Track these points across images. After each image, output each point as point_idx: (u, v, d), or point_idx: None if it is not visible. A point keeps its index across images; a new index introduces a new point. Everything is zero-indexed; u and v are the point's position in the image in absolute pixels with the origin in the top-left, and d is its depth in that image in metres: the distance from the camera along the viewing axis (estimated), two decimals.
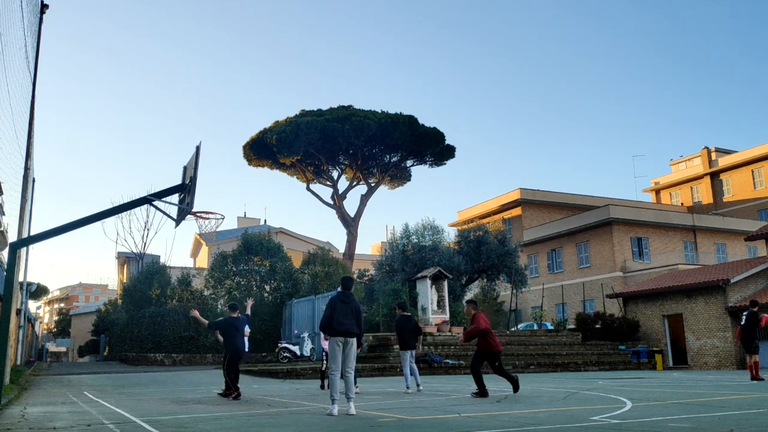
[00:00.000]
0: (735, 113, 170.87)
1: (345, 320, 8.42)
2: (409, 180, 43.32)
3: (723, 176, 53.17)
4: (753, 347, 15.66)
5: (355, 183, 41.43)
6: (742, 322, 15.80)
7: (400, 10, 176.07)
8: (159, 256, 46.05)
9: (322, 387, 13.31)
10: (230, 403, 10.42)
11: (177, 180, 11.86)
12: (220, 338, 11.73)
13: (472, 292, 35.33)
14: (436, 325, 24.37)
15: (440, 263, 28.20)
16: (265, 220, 58.52)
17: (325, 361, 13.35)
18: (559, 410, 8.42)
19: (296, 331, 27.22)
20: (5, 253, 15.79)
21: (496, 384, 14.04)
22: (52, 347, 77.04)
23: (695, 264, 37.36)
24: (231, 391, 11.14)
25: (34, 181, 16.27)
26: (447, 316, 25.08)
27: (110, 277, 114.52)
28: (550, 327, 31.16)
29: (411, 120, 38.09)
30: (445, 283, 25.66)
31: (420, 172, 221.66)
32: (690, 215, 44.28)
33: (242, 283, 32.45)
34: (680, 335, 27.27)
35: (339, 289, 8.81)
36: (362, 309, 8.79)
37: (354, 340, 8.46)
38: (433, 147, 39.42)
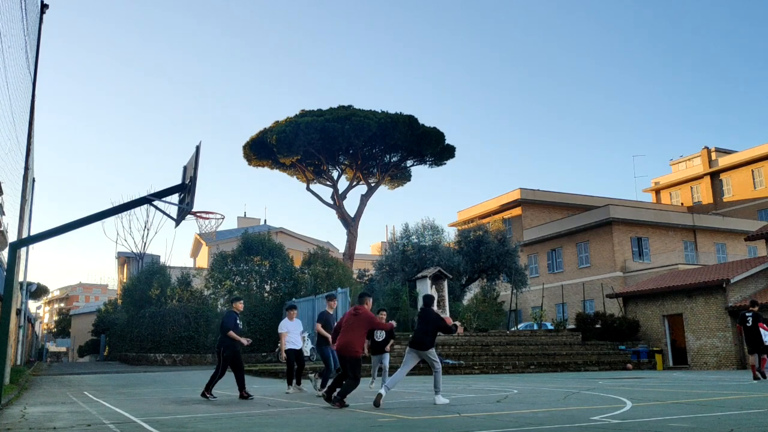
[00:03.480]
0: (735, 113, 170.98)
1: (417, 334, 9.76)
2: (409, 180, 43.37)
3: (723, 176, 53.18)
4: (762, 347, 15.65)
5: (355, 183, 41.44)
6: (748, 324, 15.74)
7: (401, 10, 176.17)
8: (159, 256, 46.17)
9: (321, 387, 13.24)
10: (230, 402, 10.43)
11: (177, 180, 11.87)
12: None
13: (472, 292, 35.33)
14: None
15: (440, 263, 28.20)
16: (265, 220, 58.59)
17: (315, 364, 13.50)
18: (559, 410, 8.41)
19: None
20: (5, 253, 15.80)
21: (496, 384, 14.06)
22: (52, 347, 77.04)
23: (695, 264, 37.37)
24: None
25: (34, 181, 16.27)
26: (447, 316, 25.07)
27: (110, 277, 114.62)
28: (550, 327, 31.15)
29: (411, 120, 38.09)
30: (445, 283, 25.68)
31: (420, 172, 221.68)
32: (690, 215, 44.29)
33: (242, 283, 32.44)
34: (680, 335, 27.27)
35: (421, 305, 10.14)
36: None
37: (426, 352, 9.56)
38: (433, 147, 39.42)
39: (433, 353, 9.63)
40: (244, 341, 11.17)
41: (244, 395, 11.04)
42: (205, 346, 29.45)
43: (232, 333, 11.04)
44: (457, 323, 10.22)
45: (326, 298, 13.15)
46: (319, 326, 12.01)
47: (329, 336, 11.72)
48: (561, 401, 9.92)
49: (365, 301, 10.08)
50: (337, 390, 9.44)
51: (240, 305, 11.67)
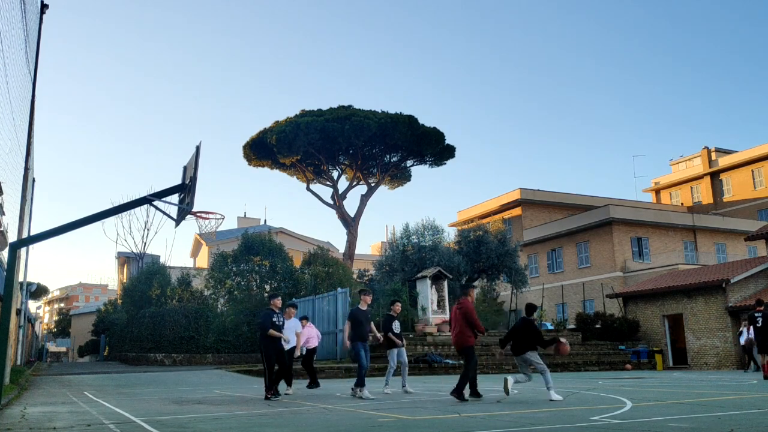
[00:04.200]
0: (735, 113, 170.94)
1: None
2: (409, 180, 43.35)
3: (723, 176, 53.16)
4: None
5: (355, 183, 41.42)
6: (758, 324, 15.75)
7: (401, 10, 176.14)
8: (159, 256, 46.16)
9: (355, 386, 12.78)
10: (230, 402, 10.42)
11: (177, 180, 11.87)
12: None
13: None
14: (436, 325, 24.39)
15: (440, 263, 28.18)
16: (265, 220, 58.59)
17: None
18: (559, 410, 8.41)
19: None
20: (5, 253, 15.79)
21: (496, 384, 14.03)
22: (52, 347, 77.07)
23: (695, 264, 37.35)
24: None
25: (34, 181, 16.26)
26: (447, 316, 25.09)
27: (110, 277, 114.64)
28: (550, 327, 31.11)
29: (411, 120, 38.08)
30: (445, 283, 25.67)
31: (420, 172, 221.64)
32: (690, 215, 44.26)
33: (242, 283, 32.42)
34: (680, 335, 27.26)
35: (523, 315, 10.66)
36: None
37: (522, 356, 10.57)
38: (433, 147, 39.40)
39: (531, 356, 10.33)
40: (285, 338, 11.25)
41: (269, 395, 10.86)
42: (205, 347, 29.40)
43: (272, 331, 11.05)
44: (563, 339, 10.74)
45: (360, 293, 12.59)
46: (347, 326, 11.68)
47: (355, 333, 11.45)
48: (561, 401, 9.92)
49: (469, 293, 10.44)
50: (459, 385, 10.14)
51: (278, 302, 11.52)
